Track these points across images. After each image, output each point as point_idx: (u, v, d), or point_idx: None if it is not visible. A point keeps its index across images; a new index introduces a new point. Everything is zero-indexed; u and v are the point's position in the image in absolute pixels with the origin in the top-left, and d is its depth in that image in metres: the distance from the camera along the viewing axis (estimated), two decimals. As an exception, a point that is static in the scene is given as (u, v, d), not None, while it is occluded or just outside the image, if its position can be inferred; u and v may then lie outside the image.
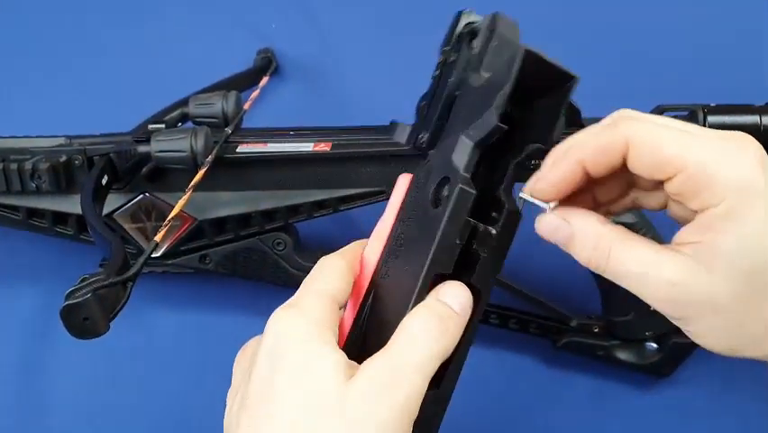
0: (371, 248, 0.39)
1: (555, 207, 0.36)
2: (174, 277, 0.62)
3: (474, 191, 0.34)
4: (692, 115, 0.54)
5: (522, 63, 0.33)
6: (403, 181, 0.40)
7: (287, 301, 0.37)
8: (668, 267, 0.33)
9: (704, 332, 0.34)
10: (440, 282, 0.35)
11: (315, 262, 0.58)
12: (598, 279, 0.58)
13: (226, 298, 0.65)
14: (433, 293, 0.35)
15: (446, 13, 0.71)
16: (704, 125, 0.53)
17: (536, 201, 0.36)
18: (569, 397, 0.63)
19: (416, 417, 0.32)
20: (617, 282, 0.35)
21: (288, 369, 0.33)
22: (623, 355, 0.59)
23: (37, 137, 0.57)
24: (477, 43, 0.39)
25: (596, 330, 0.60)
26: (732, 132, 0.34)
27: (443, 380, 0.35)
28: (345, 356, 0.34)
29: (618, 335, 0.59)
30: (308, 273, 0.38)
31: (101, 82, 0.70)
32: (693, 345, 0.57)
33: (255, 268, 0.60)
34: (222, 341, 0.65)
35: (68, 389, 0.65)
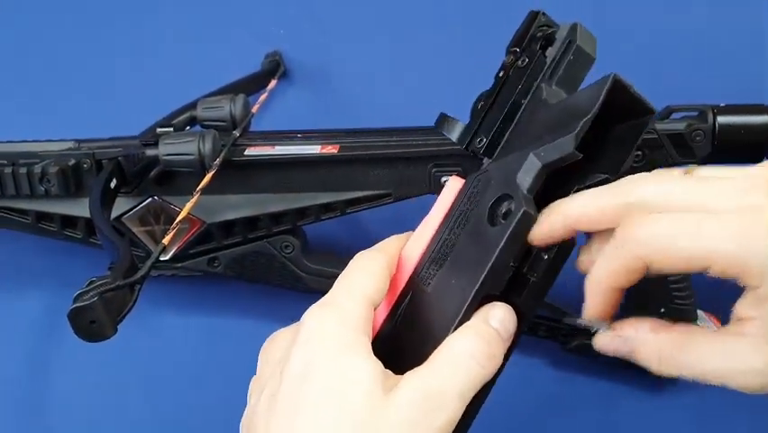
0: (412, 247, 0.38)
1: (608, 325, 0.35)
2: (182, 280, 0.62)
3: (536, 215, 0.33)
4: (702, 115, 0.54)
5: (609, 91, 0.32)
6: (453, 185, 0.38)
7: (323, 298, 0.36)
8: (745, 357, 0.31)
9: None
10: (486, 301, 0.34)
11: (323, 265, 0.59)
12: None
13: (234, 300, 0.65)
14: (481, 314, 0.34)
15: (452, 17, 0.71)
16: (714, 126, 0.53)
17: (590, 325, 0.35)
18: (578, 399, 0.62)
19: None
20: (689, 378, 0.33)
21: (322, 377, 0.32)
22: (632, 358, 0.59)
23: (46, 141, 0.57)
24: (551, 52, 0.38)
25: (605, 332, 0.59)
26: (742, 182, 0.31)
27: (470, 406, 0.33)
28: (381, 365, 0.33)
29: (628, 337, 0.59)
30: (343, 269, 0.37)
31: (110, 86, 0.71)
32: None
33: (263, 271, 0.60)
34: (230, 344, 0.65)
35: (75, 391, 0.65)
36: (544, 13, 0.40)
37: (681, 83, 0.63)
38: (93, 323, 0.37)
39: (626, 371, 0.60)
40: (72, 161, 0.56)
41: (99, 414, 0.64)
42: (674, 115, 0.55)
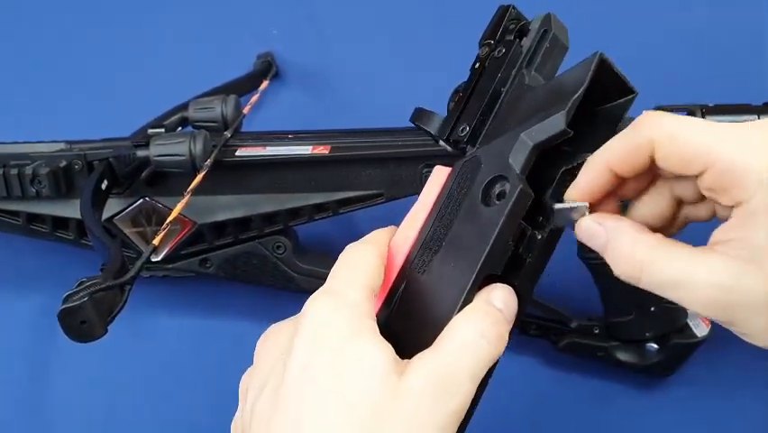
0: (401, 238, 0.38)
1: (587, 209, 0.35)
2: (174, 281, 0.62)
3: (532, 193, 0.34)
4: (690, 115, 0.54)
5: (597, 69, 0.34)
6: (438, 174, 0.39)
7: (323, 288, 0.35)
8: (709, 270, 0.31)
9: (757, 332, 0.32)
10: (486, 283, 0.34)
11: (315, 266, 0.59)
12: (599, 279, 0.58)
13: (227, 301, 0.65)
14: (483, 294, 0.34)
15: (446, 19, 0.71)
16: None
17: (570, 204, 0.35)
18: (569, 398, 0.63)
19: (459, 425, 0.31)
20: (656, 292, 0.33)
21: (333, 364, 0.32)
22: (623, 356, 0.59)
23: (37, 142, 0.57)
24: (527, 42, 0.39)
25: (596, 331, 0.59)
26: (759, 122, 0.33)
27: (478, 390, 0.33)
28: (392, 349, 0.32)
29: (619, 336, 0.59)
30: (336, 261, 0.36)
31: (101, 86, 0.71)
32: (694, 346, 0.58)
33: (255, 271, 0.60)
34: (222, 344, 0.65)
35: (69, 393, 0.65)
36: (513, 7, 0.41)
37: (677, 82, 0.63)
38: (83, 323, 0.38)
39: (619, 369, 0.60)
40: (63, 163, 0.56)
41: (93, 415, 0.64)
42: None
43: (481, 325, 0.33)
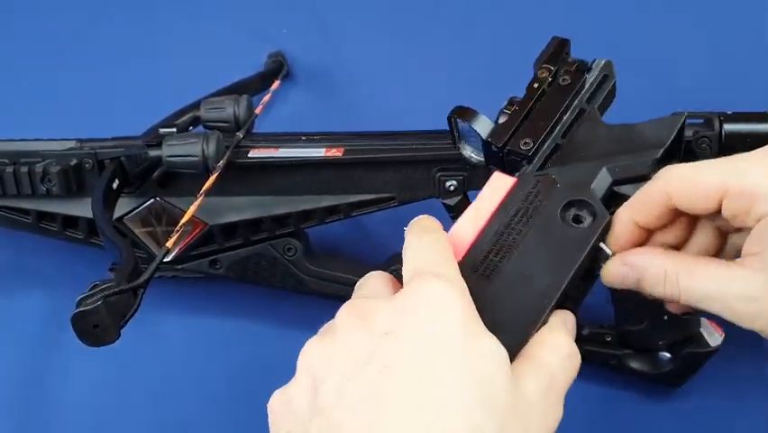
0: (458, 233, 0.38)
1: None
2: (184, 282, 0.62)
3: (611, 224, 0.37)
4: (708, 122, 0.54)
5: (679, 129, 0.39)
6: (500, 181, 0.40)
7: (422, 265, 0.34)
8: (742, 283, 0.34)
9: None
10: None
11: (326, 268, 0.59)
12: (612, 288, 0.57)
13: (236, 303, 0.65)
14: (560, 316, 0.35)
15: (457, 19, 0.71)
16: (720, 133, 0.53)
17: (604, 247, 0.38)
18: (580, 406, 0.61)
19: None
20: (697, 307, 0.36)
21: (459, 353, 0.30)
22: (636, 365, 0.59)
23: (48, 140, 0.57)
24: (589, 79, 0.42)
25: (608, 339, 0.59)
26: (763, 148, 0.35)
27: None
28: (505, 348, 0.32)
29: (631, 344, 0.58)
30: (403, 246, 0.36)
31: (112, 85, 0.70)
32: (707, 355, 0.57)
33: (265, 273, 0.59)
34: (231, 346, 0.65)
35: (76, 393, 0.64)
36: (569, 42, 0.44)
37: (688, 90, 0.63)
38: (96, 327, 0.37)
39: (631, 377, 0.59)
40: (74, 161, 0.56)
41: (100, 415, 0.64)
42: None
43: (569, 346, 0.34)
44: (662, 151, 0.38)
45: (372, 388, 0.30)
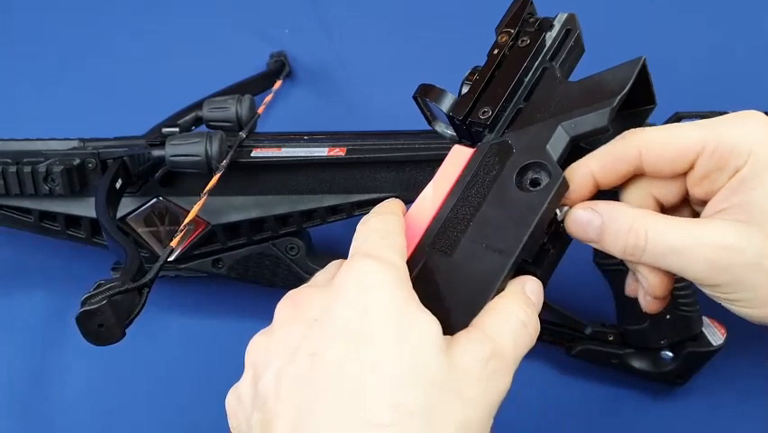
0: (417, 215, 0.37)
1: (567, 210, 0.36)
2: (186, 281, 0.62)
3: (569, 184, 0.35)
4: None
5: (640, 71, 0.36)
6: (459, 154, 0.38)
7: (357, 252, 0.33)
8: (714, 232, 0.33)
9: (752, 297, 0.33)
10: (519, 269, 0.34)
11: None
12: (614, 285, 0.57)
13: (238, 302, 0.65)
14: (518, 283, 0.34)
15: (459, 18, 0.71)
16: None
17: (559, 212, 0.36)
18: (582, 405, 0.62)
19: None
20: (659, 264, 0.34)
21: (384, 331, 0.30)
22: (637, 364, 0.59)
23: (50, 139, 0.57)
24: (550, 36, 0.40)
25: (610, 338, 0.59)
26: (737, 113, 0.35)
27: None
28: (439, 323, 0.31)
29: (633, 343, 0.59)
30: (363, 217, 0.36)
31: (115, 85, 0.70)
32: (709, 355, 0.58)
33: (267, 273, 0.59)
34: (233, 345, 0.64)
35: (78, 392, 0.64)
36: (531, 1, 0.42)
37: (690, 90, 0.63)
38: (101, 327, 0.37)
39: (632, 377, 0.60)
40: (77, 161, 0.56)
41: (102, 414, 0.64)
42: (683, 121, 0.55)
43: (523, 313, 0.33)
44: (617, 99, 0.35)
45: (301, 376, 0.30)
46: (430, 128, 0.56)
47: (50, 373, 0.65)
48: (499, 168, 0.36)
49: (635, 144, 0.35)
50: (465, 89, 0.40)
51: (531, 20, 0.41)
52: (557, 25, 0.40)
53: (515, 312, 0.33)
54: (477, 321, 0.32)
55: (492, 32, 0.71)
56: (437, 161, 0.54)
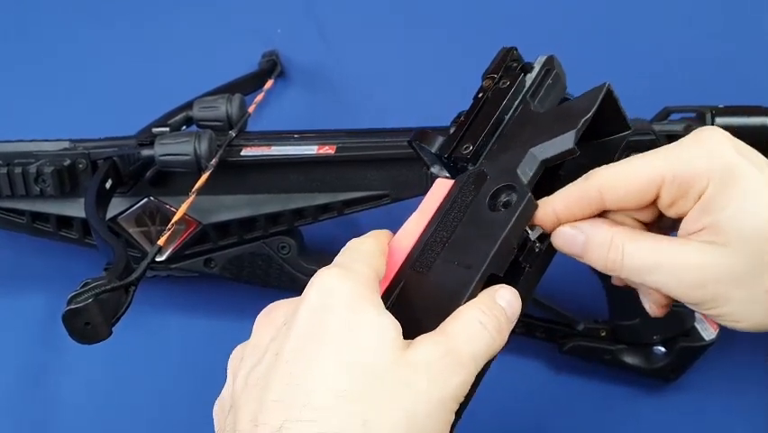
0: (400, 241, 0.39)
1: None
2: (178, 281, 0.62)
3: (538, 204, 0.37)
4: (700, 116, 0.54)
5: (605, 96, 0.37)
6: (440, 186, 0.41)
7: (330, 265, 0.35)
8: (683, 253, 0.35)
9: (733, 311, 0.35)
10: (489, 284, 0.35)
11: (321, 266, 0.58)
12: (606, 282, 0.57)
13: (230, 302, 0.65)
14: (488, 291, 0.35)
15: (450, 18, 0.71)
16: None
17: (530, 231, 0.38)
18: (575, 402, 0.62)
19: (457, 408, 0.32)
20: (639, 280, 0.36)
21: (337, 328, 0.32)
22: (630, 360, 0.59)
23: (41, 141, 0.57)
24: (530, 77, 0.42)
25: (603, 334, 0.59)
26: (689, 135, 0.36)
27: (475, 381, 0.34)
28: (398, 323, 0.33)
29: (625, 339, 0.59)
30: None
31: (105, 85, 0.70)
32: (701, 350, 0.58)
33: (260, 272, 0.59)
34: (226, 345, 0.64)
35: (73, 392, 0.64)
36: (515, 49, 0.44)
37: (680, 83, 0.63)
38: (87, 325, 0.37)
39: (625, 372, 0.60)
40: (67, 161, 0.56)
41: (98, 415, 0.64)
42: (672, 116, 0.55)
43: (484, 316, 0.34)
44: (582, 121, 0.37)
45: (262, 373, 0.32)
46: (420, 126, 0.57)
47: (45, 373, 0.65)
48: (475, 193, 0.38)
49: (595, 185, 0.36)
50: (452, 130, 0.43)
51: (514, 65, 0.44)
52: (537, 67, 0.43)
53: (474, 315, 0.34)
54: (441, 325, 0.34)
55: (481, 32, 0.72)
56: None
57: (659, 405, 0.61)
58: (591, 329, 0.59)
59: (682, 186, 0.35)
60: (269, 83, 0.67)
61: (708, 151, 0.35)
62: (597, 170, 0.37)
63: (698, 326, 0.58)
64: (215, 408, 0.36)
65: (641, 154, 0.37)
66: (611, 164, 0.37)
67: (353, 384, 0.30)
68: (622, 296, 0.58)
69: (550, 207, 0.37)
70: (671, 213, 0.36)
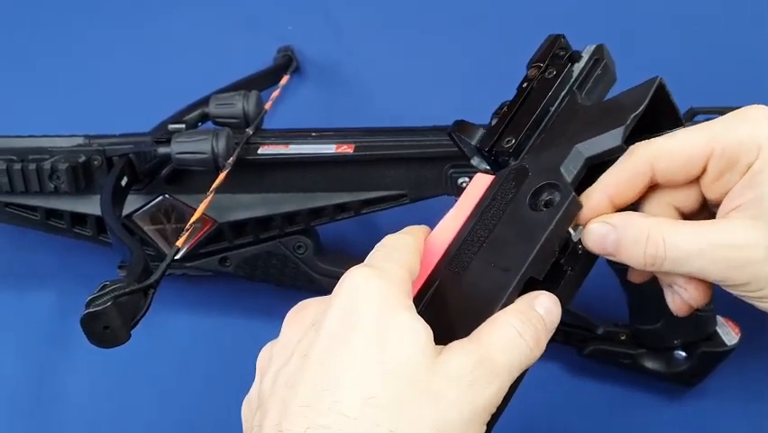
0: (437, 239, 0.38)
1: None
2: (193, 279, 0.61)
3: (582, 203, 0.35)
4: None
5: (656, 90, 0.36)
6: (480, 180, 0.40)
7: (362, 264, 0.34)
8: (727, 233, 0.33)
9: None
10: (529, 287, 0.34)
11: (336, 266, 0.58)
12: (627, 285, 0.56)
13: (246, 301, 0.64)
14: (527, 298, 0.34)
15: (467, 14, 0.70)
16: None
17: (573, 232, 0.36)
18: (594, 406, 0.62)
19: (489, 420, 0.31)
20: (680, 271, 0.35)
21: (366, 331, 0.31)
22: (650, 364, 0.58)
23: (56, 136, 0.56)
24: (578, 67, 0.41)
25: (622, 338, 0.58)
26: (738, 110, 0.35)
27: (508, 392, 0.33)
28: (429, 327, 0.32)
29: (646, 343, 0.58)
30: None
31: (121, 81, 0.70)
32: (723, 355, 0.57)
33: (275, 271, 0.59)
34: (240, 345, 0.64)
35: (83, 390, 0.64)
36: (563, 37, 0.43)
37: (707, 84, 0.62)
38: (106, 329, 0.37)
39: (645, 377, 0.59)
40: (82, 158, 0.55)
41: (108, 413, 0.64)
42: (698, 118, 0.54)
43: (521, 324, 0.33)
44: (631, 117, 0.35)
45: (291, 373, 0.32)
46: (439, 125, 0.56)
47: (56, 370, 0.64)
48: (515, 191, 0.37)
49: (645, 158, 0.35)
50: (494, 122, 0.42)
51: (561, 53, 0.42)
52: (585, 56, 0.41)
53: (511, 322, 0.32)
54: (475, 332, 0.33)
55: (498, 29, 0.71)
56: (446, 158, 0.54)
57: (679, 410, 0.61)
58: (611, 333, 0.58)
59: (731, 157, 0.34)
60: (285, 79, 0.66)
61: (756, 125, 0.34)
62: (639, 144, 0.35)
63: (720, 330, 0.57)
64: (243, 406, 0.36)
65: (685, 129, 0.35)
66: (653, 139, 0.35)
67: (381, 391, 0.30)
68: (643, 299, 0.57)
69: (601, 193, 0.36)
70: (715, 190, 0.35)
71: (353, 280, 0.33)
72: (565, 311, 0.57)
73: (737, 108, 0.52)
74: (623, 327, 0.59)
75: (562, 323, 0.57)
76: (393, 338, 0.31)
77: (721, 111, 0.53)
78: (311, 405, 0.30)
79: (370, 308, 0.31)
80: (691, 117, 0.54)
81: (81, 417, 0.63)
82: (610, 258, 0.36)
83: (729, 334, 0.57)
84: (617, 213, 0.36)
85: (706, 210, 0.37)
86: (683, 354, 0.57)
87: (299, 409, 0.30)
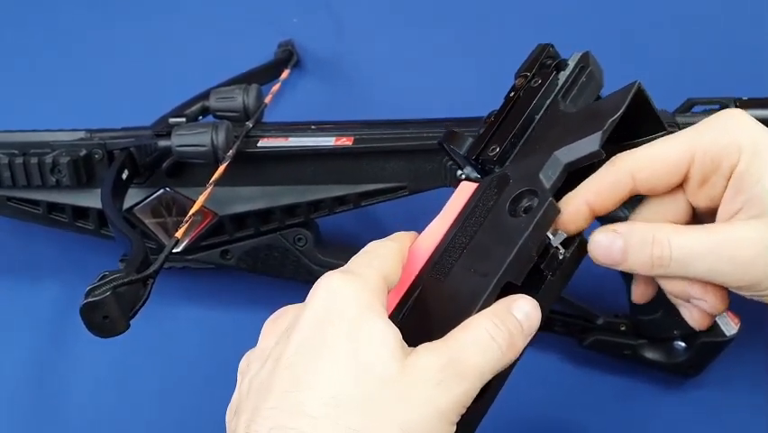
0: (421, 246, 0.38)
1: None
2: (193, 272, 0.61)
3: (560, 208, 0.35)
4: (723, 108, 0.53)
5: (635, 95, 0.36)
6: (464, 189, 0.40)
7: (338, 268, 0.35)
8: (733, 232, 0.34)
9: None
10: (507, 291, 0.34)
11: (337, 259, 0.58)
12: (626, 276, 0.56)
13: (246, 294, 0.65)
14: (505, 301, 0.34)
15: (467, 8, 0.70)
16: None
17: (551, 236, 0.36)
18: (594, 397, 0.62)
19: (457, 420, 0.31)
20: (686, 273, 0.35)
21: (336, 335, 0.31)
22: (650, 355, 0.58)
23: (57, 131, 0.57)
24: (564, 75, 0.41)
25: (623, 329, 0.58)
26: (714, 114, 0.36)
27: (485, 393, 0.33)
28: (399, 332, 0.32)
29: (646, 333, 0.58)
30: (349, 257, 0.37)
31: (121, 75, 0.70)
32: (722, 345, 0.57)
33: (276, 264, 0.59)
34: (241, 337, 0.64)
35: (87, 383, 0.65)
36: (552, 46, 0.43)
37: (704, 75, 0.62)
38: (105, 318, 0.37)
39: (645, 367, 0.59)
40: (84, 152, 0.55)
41: (110, 406, 0.64)
42: (695, 108, 0.54)
43: (494, 328, 0.33)
44: (608, 122, 0.35)
45: (263, 379, 0.32)
46: (438, 117, 0.56)
47: (60, 364, 0.65)
48: (497, 198, 0.37)
49: (625, 169, 0.36)
50: (482, 130, 0.42)
51: (548, 62, 0.42)
52: (571, 64, 0.41)
53: (483, 325, 0.33)
54: (448, 334, 0.33)
55: (499, 22, 0.71)
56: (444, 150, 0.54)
57: (679, 400, 0.61)
58: (611, 323, 0.59)
59: (713, 160, 0.34)
60: (285, 73, 0.66)
61: (735, 126, 0.35)
62: (621, 154, 0.36)
63: (719, 321, 0.57)
64: (227, 413, 0.36)
65: (664, 137, 0.36)
66: (635, 148, 0.36)
67: (347, 392, 0.30)
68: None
69: (581, 199, 0.36)
70: (701, 197, 0.35)
71: (328, 285, 0.33)
72: (565, 302, 0.58)
73: (734, 99, 0.53)
74: (623, 317, 0.59)
75: (562, 314, 0.59)
76: (363, 341, 0.31)
77: (719, 101, 0.53)
78: (278, 407, 0.30)
79: (342, 312, 0.32)
80: (689, 108, 0.54)
81: (84, 409, 0.64)
82: (617, 267, 0.36)
83: (729, 324, 0.57)
84: (619, 223, 0.37)
85: (697, 223, 0.37)
86: (683, 344, 0.57)
87: (267, 411, 0.31)
